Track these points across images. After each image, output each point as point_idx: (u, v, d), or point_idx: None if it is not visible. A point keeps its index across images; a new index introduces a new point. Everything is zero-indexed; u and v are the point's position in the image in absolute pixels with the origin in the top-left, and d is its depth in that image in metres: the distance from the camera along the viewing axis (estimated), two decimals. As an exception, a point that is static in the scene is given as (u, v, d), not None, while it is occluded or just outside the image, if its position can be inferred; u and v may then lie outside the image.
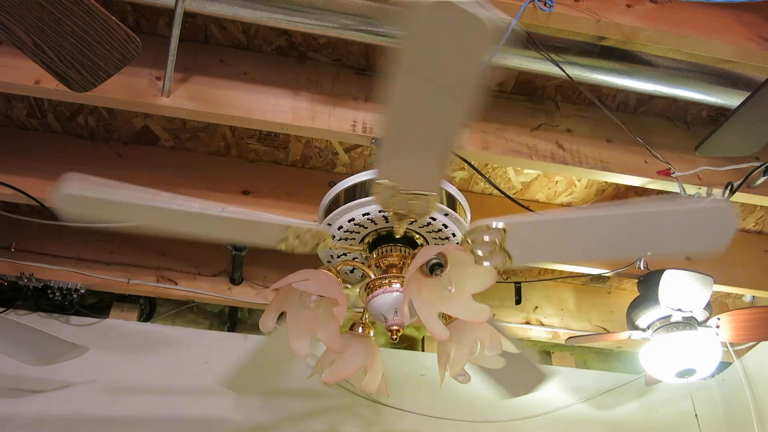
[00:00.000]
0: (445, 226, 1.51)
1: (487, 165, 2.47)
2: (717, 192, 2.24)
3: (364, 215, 1.49)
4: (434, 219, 1.48)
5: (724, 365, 3.13)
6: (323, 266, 1.53)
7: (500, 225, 1.37)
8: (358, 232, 1.53)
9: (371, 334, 1.54)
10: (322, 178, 2.50)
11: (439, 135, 1.22)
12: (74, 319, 2.76)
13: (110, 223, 1.37)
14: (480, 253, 1.42)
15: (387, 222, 1.50)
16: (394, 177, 1.30)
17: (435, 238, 1.56)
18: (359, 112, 2.17)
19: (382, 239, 1.53)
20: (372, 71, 2.27)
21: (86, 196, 1.33)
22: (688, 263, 2.66)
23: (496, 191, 2.49)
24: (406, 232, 1.52)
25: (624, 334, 2.56)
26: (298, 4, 1.87)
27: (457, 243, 1.50)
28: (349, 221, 1.51)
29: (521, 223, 1.39)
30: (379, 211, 1.47)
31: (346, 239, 1.55)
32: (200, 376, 2.71)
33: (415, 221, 1.48)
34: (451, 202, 1.51)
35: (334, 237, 1.52)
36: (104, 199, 1.36)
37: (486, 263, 1.44)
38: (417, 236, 1.54)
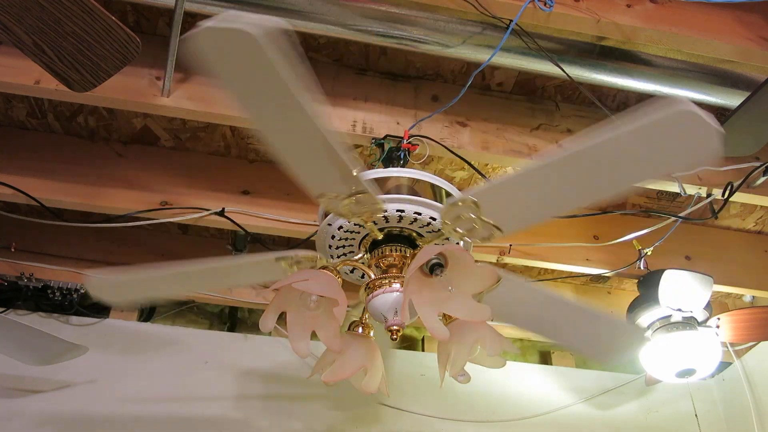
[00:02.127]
0: (433, 219, 1.51)
1: (487, 165, 2.46)
2: (717, 192, 2.24)
3: (364, 215, 1.49)
4: (434, 219, 1.47)
5: (724, 365, 3.13)
6: (323, 266, 1.53)
7: (469, 197, 1.32)
8: (358, 232, 1.53)
9: (371, 334, 1.54)
10: (322, 178, 2.50)
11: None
12: (74, 319, 2.76)
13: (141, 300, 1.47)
14: (462, 230, 1.39)
15: (387, 222, 1.50)
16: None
17: (428, 232, 1.55)
18: (359, 112, 2.17)
19: (382, 239, 1.53)
20: (372, 71, 2.27)
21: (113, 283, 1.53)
22: (688, 263, 2.67)
23: (496, 191, 2.49)
24: (402, 230, 1.52)
25: (624, 334, 2.56)
26: (299, 4, 1.87)
27: (437, 228, 1.48)
28: (349, 221, 1.51)
29: (488, 188, 1.35)
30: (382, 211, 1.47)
31: (345, 239, 1.55)
32: (200, 376, 2.71)
33: (416, 223, 1.48)
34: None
35: (341, 227, 1.52)
36: (128, 282, 1.56)
37: (470, 239, 1.43)
38: (414, 234, 1.54)
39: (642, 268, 2.47)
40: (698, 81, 2.07)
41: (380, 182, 1.54)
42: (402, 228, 1.52)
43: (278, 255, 1.50)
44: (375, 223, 1.49)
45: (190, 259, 2.80)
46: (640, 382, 2.99)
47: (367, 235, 1.54)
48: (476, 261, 1.33)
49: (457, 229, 1.39)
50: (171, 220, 2.35)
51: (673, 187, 2.26)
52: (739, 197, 2.28)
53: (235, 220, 2.36)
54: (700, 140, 1.09)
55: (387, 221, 1.50)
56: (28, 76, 1.97)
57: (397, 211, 1.46)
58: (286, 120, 1.18)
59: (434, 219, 1.47)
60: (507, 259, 2.54)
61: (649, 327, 2.49)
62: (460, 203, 1.34)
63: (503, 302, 1.47)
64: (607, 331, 1.63)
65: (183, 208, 2.35)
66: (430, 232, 1.52)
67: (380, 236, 1.51)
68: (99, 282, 1.56)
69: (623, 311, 2.60)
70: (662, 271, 2.31)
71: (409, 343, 3.12)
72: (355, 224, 1.49)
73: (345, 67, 2.25)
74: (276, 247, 2.67)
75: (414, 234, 1.53)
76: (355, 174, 1.28)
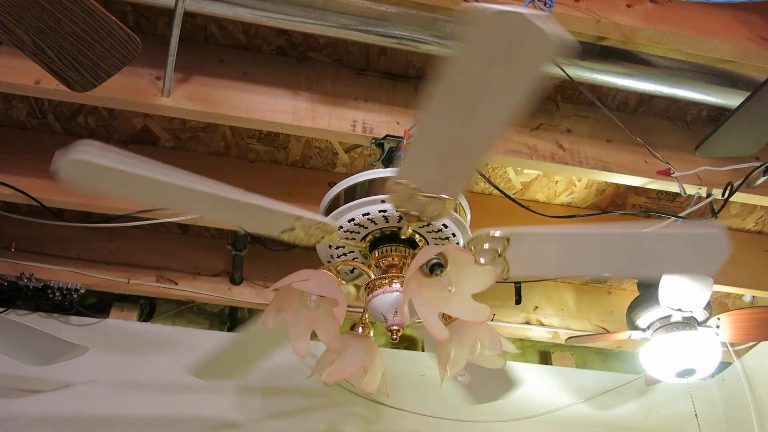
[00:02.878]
0: (445, 226, 1.51)
1: (487, 165, 2.47)
2: (717, 192, 2.24)
3: (364, 215, 1.49)
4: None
5: (724, 365, 3.13)
6: (323, 266, 1.53)
7: (505, 234, 1.37)
8: (358, 232, 1.53)
9: (371, 334, 1.54)
10: (322, 178, 2.50)
11: (473, 144, 1.22)
12: (74, 319, 2.76)
13: (116, 192, 1.40)
14: (417, 212, 1.40)
15: (387, 222, 1.50)
16: (417, 178, 1.30)
17: (435, 238, 1.56)
18: (359, 112, 2.17)
19: (382, 239, 1.53)
20: (372, 71, 2.27)
21: (99, 164, 1.23)
22: (688, 263, 2.67)
23: (496, 191, 2.49)
24: (400, 229, 1.52)
25: (624, 334, 2.56)
26: (299, 4, 1.87)
27: (437, 229, 1.49)
28: (350, 221, 1.51)
29: (526, 234, 1.39)
30: (380, 211, 1.47)
31: (346, 239, 1.55)
32: (200, 376, 2.71)
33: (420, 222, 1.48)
34: (451, 202, 1.51)
35: (341, 228, 1.52)
36: (117, 169, 1.30)
37: (430, 217, 1.44)
38: (417, 236, 1.54)
39: (642, 268, 2.46)
40: (698, 81, 2.07)
41: (380, 182, 1.54)
42: (402, 228, 1.52)
43: (299, 213, 1.42)
44: (373, 222, 1.49)
45: (190, 259, 2.80)
46: (640, 382, 2.99)
47: (367, 235, 1.54)
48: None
49: (413, 212, 1.40)
50: (171, 220, 2.35)
51: (673, 187, 2.26)
52: (739, 197, 2.28)
53: (235, 220, 2.36)
54: (714, 255, 1.23)
55: (387, 221, 1.50)
56: (28, 76, 1.97)
57: (398, 211, 1.46)
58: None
59: (446, 226, 1.48)
60: (507, 259, 2.53)
61: (649, 327, 2.49)
62: (493, 235, 1.39)
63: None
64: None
65: (183, 208, 2.35)
66: (436, 238, 1.53)
67: (407, 235, 1.52)
68: (74, 161, 1.20)
69: (623, 311, 2.60)
70: (662, 271, 2.31)
71: (409, 343, 3.12)
72: (353, 224, 1.48)
73: (345, 67, 2.25)
74: (276, 247, 2.67)
75: (417, 235, 1.54)
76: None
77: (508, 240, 1.37)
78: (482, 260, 1.42)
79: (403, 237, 1.52)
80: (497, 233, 1.37)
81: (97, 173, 1.25)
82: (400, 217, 1.47)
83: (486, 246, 1.40)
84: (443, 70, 1.08)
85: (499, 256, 1.39)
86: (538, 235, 1.40)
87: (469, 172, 1.36)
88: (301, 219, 1.42)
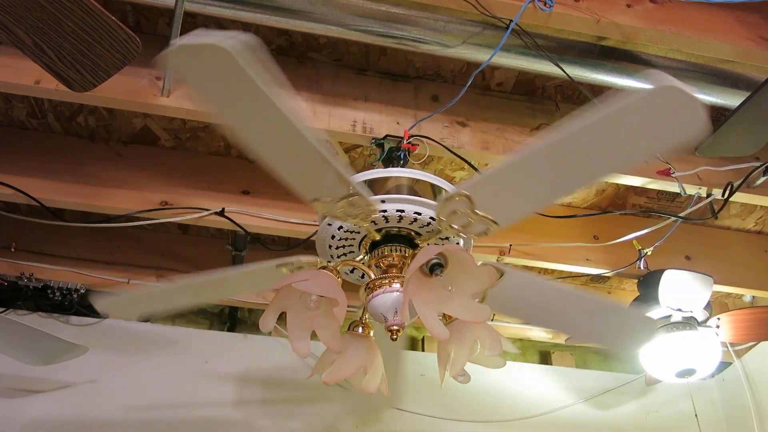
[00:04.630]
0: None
1: (487, 165, 2.46)
2: (717, 192, 2.25)
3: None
4: (434, 219, 1.47)
5: (724, 365, 3.13)
6: (323, 266, 1.53)
7: (461, 191, 1.32)
8: (358, 232, 1.53)
9: (371, 334, 1.54)
10: (322, 178, 2.50)
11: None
12: (74, 319, 2.76)
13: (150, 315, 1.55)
14: (458, 226, 1.39)
15: (387, 222, 1.50)
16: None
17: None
18: (359, 112, 2.17)
19: (382, 239, 1.53)
20: (372, 71, 2.27)
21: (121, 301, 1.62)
22: (688, 263, 2.67)
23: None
24: (400, 230, 1.52)
25: (624, 334, 2.56)
26: (299, 5, 1.87)
27: (430, 222, 1.48)
28: (345, 224, 1.50)
29: (479, 181, 1.34)
30: (380, 211, 1.47)
31: (345, 239, 1.55)
32: (200, 376, 2.72)
33: (416, 223, 1.48)
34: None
35: (341, 227, 1.52)
36: (136, 298, 1.66)
37: (466, 235, 1.44)
38: (414, 234, 1.54)
39: (642, 268, 2.47)
40: (698, 81, 2.07)
41: (380, 182, 1.54)
42: (402, 228, 1.52)
43: (279, 262, 1.50)
44: (374, 223, 1.49)
45: (190, 258, 2.81)
46: (640, 382, 2.99)
47: (367, 235, 1.54)
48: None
49: (453, 225, 1.39)
50: (171, 220, 2.35)
51: (673, 187, 2.26)
52: (739, 197, 2.28)
53: (235, 220, 2.36)
54: (685, 115, 1.09)
55: (387, 221, 1.49)
56: (28, 76, 1.97)
57: (398, 211, 1.46)
58: (272, 131, 1.18)
59: (434, 219, 1.47)
60: (507, 259, 2.54)
61: (649, 327, 2.48)
62: (453, 199, 1.34)
63: (511, 297, 1.47)
64: (618, 322, 1.63)
65: (183, 208, 2.35)
66: (430, 232, 1.52)
67: (378, 237, 1.51)
68: (107, 300, 1.64)
69: (623, 311, 2.60)
70: (662, 271, 2.31)
71: (409, 343, 3.12)
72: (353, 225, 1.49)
73: (345, 67, 2.25)
74: (276, 247, 2.67)
75: (414, 234, 1.53)
76: (345, 177, 1.29)
77: (467, 196, 1.32)
78: (456, 225, 1.40)
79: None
80: (454, 193, 1.33)
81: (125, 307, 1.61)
82: (400, 218, 1.48)
83: (454, 211, 1.37)
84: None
85: (473, 214, 1.35)
86: (492, 176, 1.33)
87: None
88: (287, 264, 1.48)
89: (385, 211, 1.46)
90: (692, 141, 1.12)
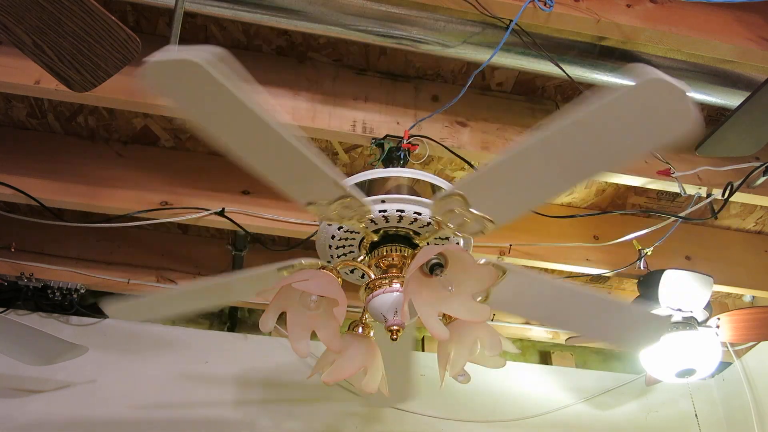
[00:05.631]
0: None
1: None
2: (717, 192, 2.24)
3: (364, 215, 1.49)
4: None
5: (724, 365, 3.13)
6: (323, 266, 1.53)
7: (455, 191, 1.32)
8: (358, 232, 1.53)
9: (371, 334, 1.54)
10: (322, 178, 2.50)
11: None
12: (74, 319, 2.76)
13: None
14: (453, 226, 1.39)
15: (387, 222, 1.50)
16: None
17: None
18: (359, 112, 2.17)
19: (382, 239, 1.53)
20: (372, 71, 2.27)
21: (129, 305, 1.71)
22: (688, 263, 2.67)
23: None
24: (400, 230, 1.52)
25: (624, 334, 2.56)
26: (298, 5, 1.87)
27: (430, 222, 1.48)
28: (341, 226, 1.50)
29: (472, 180, 1.33)
30: (380, 212, 1.47)
31: (345, 239, 1.55)
32: (200, 376, 2.71)
33: (415, 223, 1.48)
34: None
35: (341, 227, 1.52)
36: (143, 303, 1.75)
37: (462, 234, 1.43)
38: (414, 234, 1.54)
39: (642, 268, 2.47)
40: (698, 81, 2.07)
41: (380, 182, 1.54)
42: (402, 228, 1.52)
43: (281, 265, 1.50)
44: (374, 223, 1.49)
45: (190, 259, 2.81)
46: (640, 382, 2.99)
47: (365, 235, 1.54)
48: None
49: (449, 224, 1.39)
50: (171, 220, 2.35)
51: (673, 187, 2.26)
52: (739, 197, 2.28)
53: (235, 220, 2.36)
54: (674, 108, 1.08)
55: (387, 221, 1.50)
56: (28, 76, 1.97)
57: (397, 211, 1.46)
58: (255, 139, 1.20)
59: (432, 218, 1.47)
60: (507, 260, 2.53)
61: (649, 327, 2.48)
62: (447, 198, 1.33)
63: (514, 295, 1.47)
64: (625, 320, 1.62)
65: (183, 208, 2.35)
66: (430, 232, 1.52)
67: (375, 237, 1.51)
68: (116, 306, 1.71)
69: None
70: (662, 271, 2.31)
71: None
72: (383, 215, 1.48)
73: (345, 67, 2.25)
74: (276, 247, 2.67)
75: (414, 234, 1.53)
76: (336, 180, 1.29)
77: (461, 195, 1.32)
78: (451, 225, 1.40)
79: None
80: (449, 193, 1.33)
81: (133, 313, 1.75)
82: (400, 218, 1.48)
83: (449, 210, 1.37)
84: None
85: (468, 213, 1.34)
86: (485, 173, 1.33)
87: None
88: (287, 267, 1.48)
89: (385, 211, 1.46)
90: (685, 136, 1.10)
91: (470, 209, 1.33)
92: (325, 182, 1.29)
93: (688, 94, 1.04)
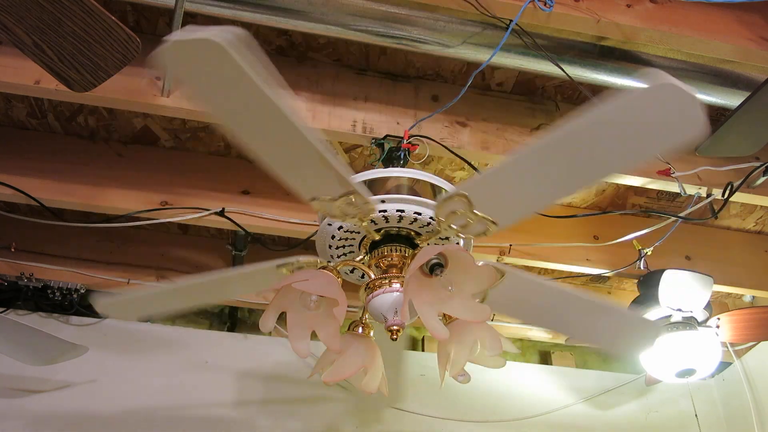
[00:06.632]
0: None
1: (487, 165, 2.46)
2: (717, 192, 2.24)
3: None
4: (434, 219, 1.47)
5: (724, 365, 3.13)
6: (323, 266, 1.53)
7: (459, 191, 1.31)
8: (358, 232, 1.53)
9: (371, 334, 1.54)
10: (322, 178, 2.50)
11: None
12: (74, 319, 2.76)
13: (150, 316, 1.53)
14: (456, 227, 1.39)
15: (387, 222, 1.50)
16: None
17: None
18: (359, 112, 2.17)
19: (382, 239, 1.53)
20: (372, 71, 2.27)
21: (120, 301, 1.66)
22: (688, 263, 2.67)
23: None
24: (400, 230, 1.52)
25: (624, 334, 2.56)
26: (299, 5, 1.87)
27: (430, 222, 1.48)
28: (344, 223, 1.50)
29: (477, 181, 1.33)
30: (380, 212, 1.47)
31: (345, 239, 1.55)
32: (200, 376, 2.72)
33: (415, 223, 1.48)
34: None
35: (341, 227, 1.52)
36: (136, 299, 1.69)
37: (464, 236, 1.43)
38: (414, 234, 1.54)
39: (642, 268, 2.47)
40: (698, 81, 2.07)
41: (380, 182, 1.54)
42: (402, 228, 1.52)
43: (279, 262, 1.50)
44: (374, 223, 1.49)
45: (190, 259, 2.81)
46: (640, 382, 2.99)
47: (366, 235, 1.54)
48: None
49: (452, 225, 1.39)
50: (171, 220, 2.35)
51: (673, 187, 2.26)
52: (739, 197, 2.28)
53: (235, 220, 2.36)
54: (683, 113, 1.08)
55: (387, 221, 1.49)
56: (28, 76, 1.97)
57: (398, 211, 1.46)
58: (268, 127, 1.17)
59: (434, 219, 1.47)
60: (507, 260, 2.54)
61: (649, 327, 2.48)
62: (451, 199, 1.33)
63: (511, 298, 1.47)
64: (619, 325, 1.62)
65: (183, 208, 2.35)
66: (430, 232, 1.52)
67: (377, 237, 1.51)
68: (107, 301, 1.65)
69: (623, 311, 2.60)
70: (662, 271, 2.31)
71: (409, 343, 3.12)
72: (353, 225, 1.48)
73: (345, 67, 2.25)
74: (276, 247, 2.67)
75: (414, 234, 1.53)
76: (343, 175, 1.28)
77: (465, 196, 1.31)
78: (454, 226, 1.40)
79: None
80: (452, 194, 1.32)
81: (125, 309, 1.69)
82: (400, 218, 1.47)
83: (453, 211, 1.36)
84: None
85: (471, 214, 1.34)
86: (490, 175, 1.33)
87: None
88: (287, 264, 1.48)
89: (385, 210, 1.46)
90: (692, 140, 1.10)
91: (474, 211, 1.33)
92: (333, 177, 1.27)
93: (696, 96, 1.04)
